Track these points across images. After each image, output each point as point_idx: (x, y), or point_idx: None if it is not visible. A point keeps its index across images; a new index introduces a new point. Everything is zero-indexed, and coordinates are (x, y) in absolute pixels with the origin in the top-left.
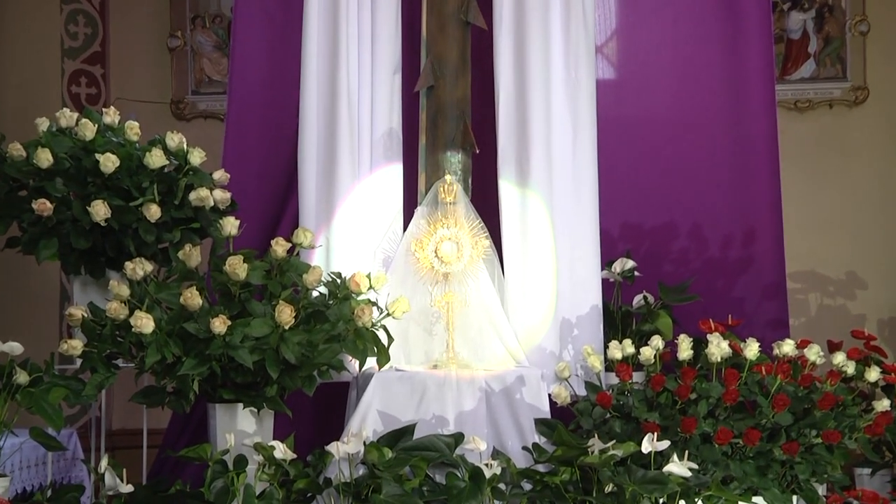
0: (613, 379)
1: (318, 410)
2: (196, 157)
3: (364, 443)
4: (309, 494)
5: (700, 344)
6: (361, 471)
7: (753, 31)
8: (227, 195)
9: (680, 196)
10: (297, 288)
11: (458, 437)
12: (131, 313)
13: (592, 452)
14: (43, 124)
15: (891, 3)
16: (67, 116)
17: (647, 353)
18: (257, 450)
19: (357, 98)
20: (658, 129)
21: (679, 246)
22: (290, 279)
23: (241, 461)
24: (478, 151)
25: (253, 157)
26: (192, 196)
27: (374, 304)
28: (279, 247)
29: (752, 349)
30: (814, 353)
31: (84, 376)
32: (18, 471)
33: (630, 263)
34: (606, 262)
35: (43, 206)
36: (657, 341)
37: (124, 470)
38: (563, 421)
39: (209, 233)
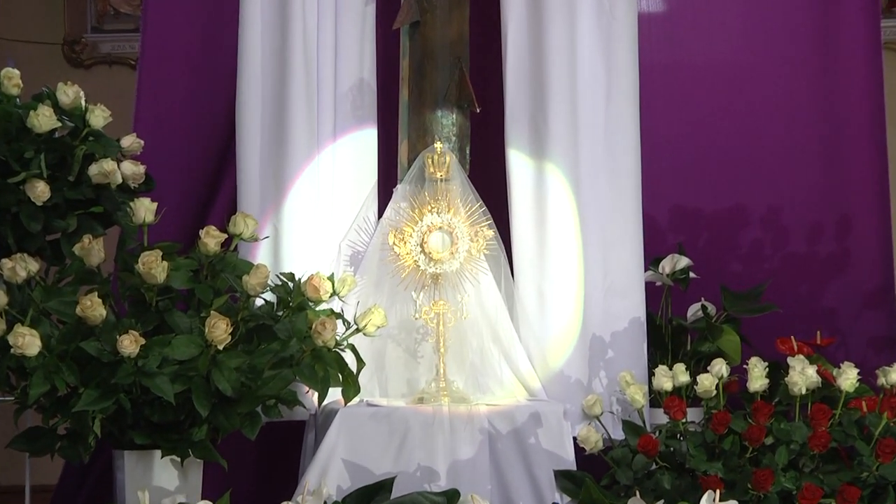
0: (661, 417)
1: (263, 459)
2: (98, 118)
3: (325, 502)
4: None
5: (778, 370)
6: None
7: None
8: (141, 169)
9: (750, 171)
10: (236, 294)
11: (452, 496)
12: (10, 328)
13: None
14: None
15: None
16: None
17: (707, 382)
18: None
19: (316, 38)
20: (721, 81)
21: (749, 238)
22: (226, 282)
23: None
24: (478, 110)
25: (176, 117)
26: (93, 170)
27: (339, 315)
28: (211, 239)
29: (848, 377)
30: None
31: None
32: None
33: (683, 261)
34: (652, 260)
35: None
36: (720, 366)
37: None
38: (592, 474)
39: (116, 220)
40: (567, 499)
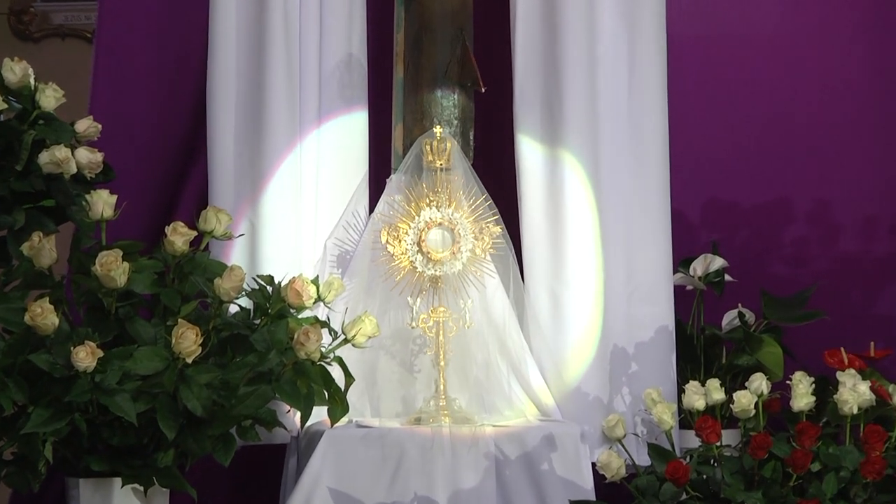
0: (693, 440)
1: (238, 488)
2: (49, 99)
3: None
4: None
5: (826, 386)
6: None
7: None
8: (99, 157)
9: (795, 159)
10: (206, 300)
11: None
12: None
13: None
14: None
15: None
16: None
17: (745, 400)
18: None
19: (298, 7)
20: (761, 55)
21: (794, 235)
22: (196, 287)
23: None
24: (484, 90)
25: (139, 97)
26: (44, 158)
27: (325, 324)
28: (178, 237)
29: None
30: None
31: None
32: None
33: (718, 262)
34: (681, 261)
35: None
36: (759, 382)
37: None
38: None
39: (69, 215)
40: None
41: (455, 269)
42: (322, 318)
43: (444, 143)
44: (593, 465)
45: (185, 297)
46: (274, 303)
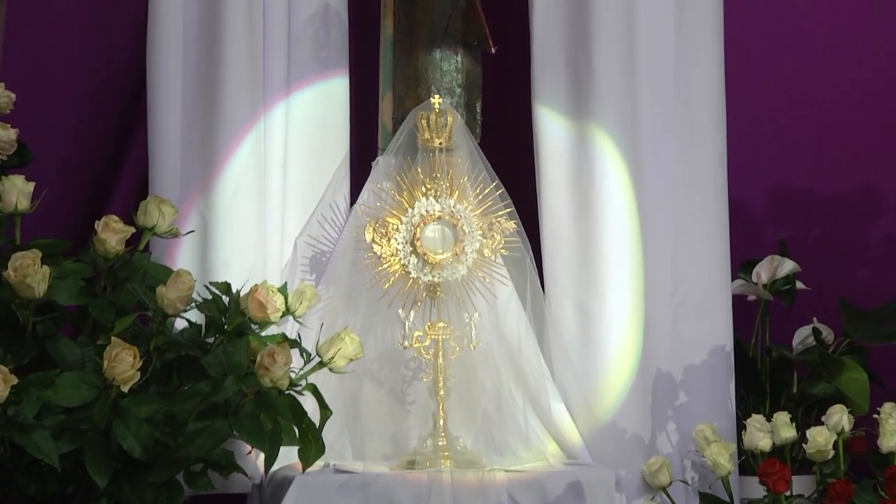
0: (756, 489)
1: None
2: None
3: None
4: None
5: None
6: None
7: None
8: (13, 134)
9: (883, 138)
10: (147, 313)
11: None
12: None
13: None
14: None
15: None
16: None
17: (821, 438)
18: None
19: None
20: (843, 8)
21: (882, 233)
22: (133, 297)
23: None
24: (494, 50)
25: (63, 61)
26: None
27: (296, 344)
28: (111, 234)
29: None
30: None
31: None
32: None
33: (787, 266)
34: (742, 265)
35: None
36: (840, 416)
37: None
38: None
39: None
40: None
41: (458, 274)
42: (292, 335)
43: (443, 117)
44: None
45: (119, 309)
46: (231, 317)
